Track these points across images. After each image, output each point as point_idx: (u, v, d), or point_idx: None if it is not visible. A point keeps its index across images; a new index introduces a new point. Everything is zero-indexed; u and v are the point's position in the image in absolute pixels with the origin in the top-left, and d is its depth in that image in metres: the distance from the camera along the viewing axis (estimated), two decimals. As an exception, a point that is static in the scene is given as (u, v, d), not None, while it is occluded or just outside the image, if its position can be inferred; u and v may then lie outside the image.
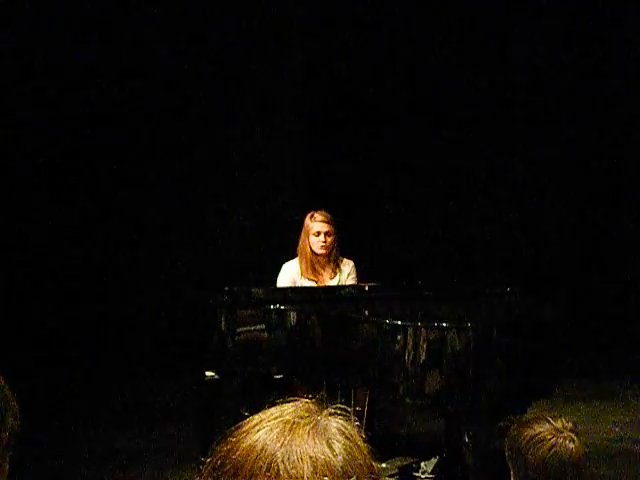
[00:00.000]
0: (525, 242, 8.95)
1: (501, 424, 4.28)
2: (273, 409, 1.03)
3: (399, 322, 4.44)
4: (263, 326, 4.93)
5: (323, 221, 5.45)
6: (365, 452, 1.00)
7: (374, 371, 4.57)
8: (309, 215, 5.53)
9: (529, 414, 4.42)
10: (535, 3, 8.79)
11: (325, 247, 5.44)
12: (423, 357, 4.36)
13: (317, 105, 8.97)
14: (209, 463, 1.01)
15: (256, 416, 1.02)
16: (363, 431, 1.05)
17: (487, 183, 9.04)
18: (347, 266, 5.58)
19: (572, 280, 8.64)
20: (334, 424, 1.00)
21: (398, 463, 5.06)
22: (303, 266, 5.49)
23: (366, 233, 8.55)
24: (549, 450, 2.34)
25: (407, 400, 4.52)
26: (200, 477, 1.02)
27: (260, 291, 5.43)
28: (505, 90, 8.86)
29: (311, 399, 1.05)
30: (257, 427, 0.99)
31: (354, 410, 4.87)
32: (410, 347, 4.36)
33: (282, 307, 4.90)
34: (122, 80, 8.38)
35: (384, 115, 8.92)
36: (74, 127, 8.24)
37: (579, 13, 8.63)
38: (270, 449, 0.96)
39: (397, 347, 4.39)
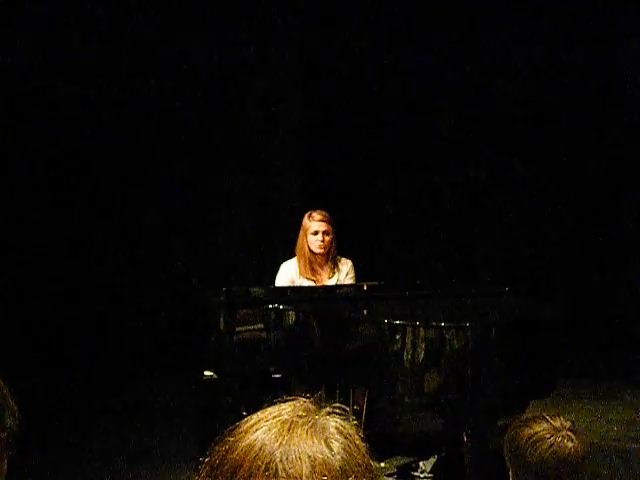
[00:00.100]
0: (525, 242, 8.94)
1: (500, 423, 4.29)
2: (271, 408, 1.03)
3: (398, 322, 4.45)
4: (262, 326, 4.93)
5: (321, 220, 5.45)
6: (363, 451, 1.01)
7: (372, 370, 4.57)
8: (307, 214, 5.53)
9: (528, 413, 4.42)
10: (535, 3, 8.78)
11: (323, 246, 5.43)
12: (422, 357, 4.36)
13: (317, 105, 8.96)
14: (207, 462, 1.01)
15: (254, 415, 1.02)
16: (361, 430, 1.05)
17: (487, 183, 9.04)
18: (345, 265, 5.57)
19: (572, 280, 8.63)
20: (332, 423, 1.00)
21: (397, 462, 5.07)
22: (301, 265, 5.49)
23: (366, 233, 8.55)
24: (548, 449, 2.34)
25: (405, 399, 4.52)
26: (198, 476, 1.02)
27: (259, 291, 5.43)
28: (505, 90, 8.85)
29: (309, 398, 1.05)
30: (255, 426, 1.00)
31: (352, 409, 4.88)
32: (409, 347, 4.36)
33: (281, 307, 4.90)
34: (122, 80, 8.38)
35: (384, 115, 8.91)
36: (74, 127, 8.24)
37: (579, 13, 8.62)
38: (268, 448, 0.96)
39: (396, 347, 4.39)
